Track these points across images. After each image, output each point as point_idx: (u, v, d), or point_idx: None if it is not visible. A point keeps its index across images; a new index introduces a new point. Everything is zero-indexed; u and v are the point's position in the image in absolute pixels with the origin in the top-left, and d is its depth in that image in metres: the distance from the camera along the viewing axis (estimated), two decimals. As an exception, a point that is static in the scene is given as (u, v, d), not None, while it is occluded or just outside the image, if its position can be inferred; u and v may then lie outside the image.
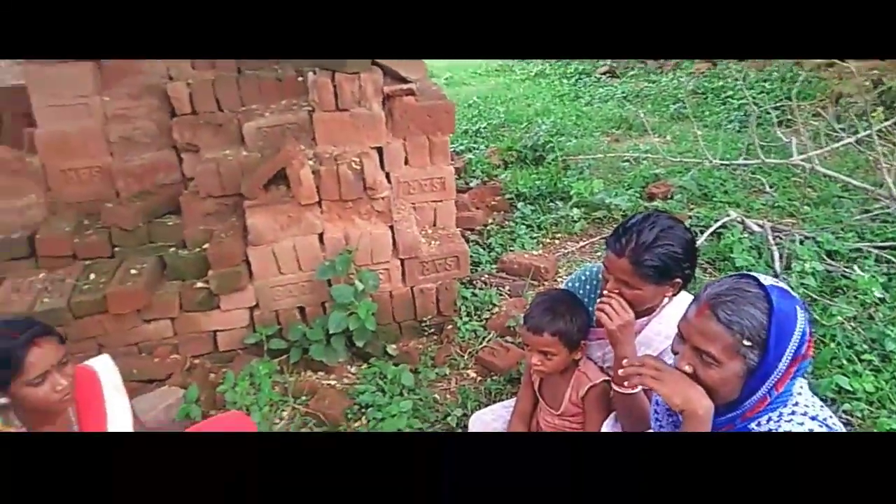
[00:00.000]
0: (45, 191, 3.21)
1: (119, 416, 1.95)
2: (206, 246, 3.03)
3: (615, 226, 1.84)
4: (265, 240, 2.96)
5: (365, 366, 3.04)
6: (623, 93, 7.99)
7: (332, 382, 2.96)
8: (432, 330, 3.28)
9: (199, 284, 3.01)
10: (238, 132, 3.18)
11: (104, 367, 1.97)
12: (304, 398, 2.81)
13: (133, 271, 2.96)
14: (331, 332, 2.91)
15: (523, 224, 4.36)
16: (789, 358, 1.29)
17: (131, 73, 3.22)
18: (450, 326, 3.24)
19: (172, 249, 3.12)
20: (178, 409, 2.65)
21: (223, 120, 3.20)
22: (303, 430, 2.67)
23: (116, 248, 3.11)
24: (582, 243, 4.17)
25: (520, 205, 4.61)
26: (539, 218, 4.43)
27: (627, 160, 5.53)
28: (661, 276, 1.76)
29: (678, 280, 1.80)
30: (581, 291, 2.08)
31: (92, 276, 2.97)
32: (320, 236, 3.04)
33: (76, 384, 1.80)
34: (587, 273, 2.12)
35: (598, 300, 1.83)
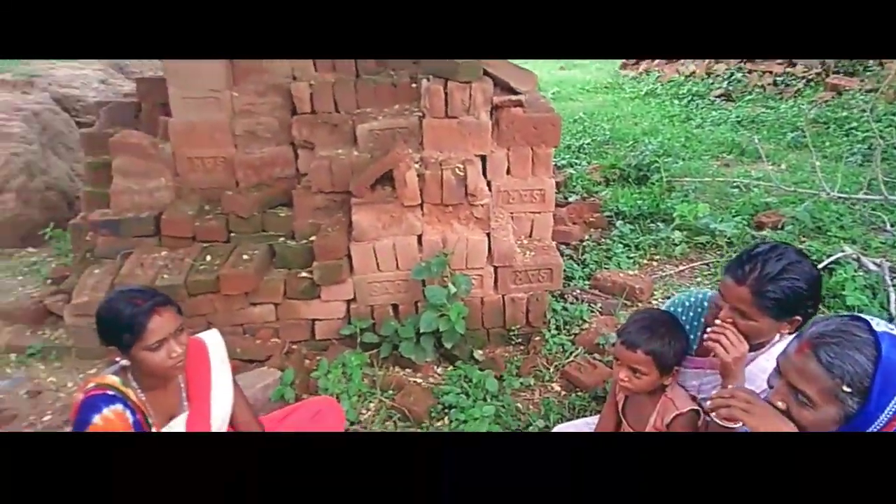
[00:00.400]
0: (174, 176, 3.49)
1: (223, 387, 2.08)
2: (312, 238, 3.19)
3: (719, 252, 1.80)
4: (368, 237, 3.08)
5: (451, 367, 3.10)
6: (738, 117, 7.69)
7: (419, 380, 3.04)
8: (520, 339, 3.30)
9: (304, 274, 3.18)
10: (352, 133, 3.33)
11: (213, 341, 2.12)
12: (390, 392, 2.90)
13: (245, 256, 3.16)
14: (421, 331, 2.99)
15: (621, 243, 4.30)
16: (893, 410, 1.23)
17: (259, 71, 3.45)
18: (537, 338, 3.25)
19: (282, 239, 3.31)
20: (274, 389, 2.81)
21: (339, 120, 3.36)
22: (387, 423, 2.76)
23: (232, 234, 3.33)
24: (681, 267, 4.06)
25: (618, 223, 4.55)
26: (638, 238, 4.36)
27: (737, 186, 5.33)
28: (781, 310, 1.69)
29: (798, 318, 1.73)
30: (683, 317, 2.04)
31: (208, 257, 3.20)
32: (419, 238, 3.14)
33: (187, 353, 1.96)
34: (692, 299, 2.07)
35: (712, 329, 1.77)
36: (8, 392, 3.00)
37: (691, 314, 2.05)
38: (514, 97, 3.24)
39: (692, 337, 1.97)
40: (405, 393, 2.86)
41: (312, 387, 2.89)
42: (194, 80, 3.33)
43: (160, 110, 3.65)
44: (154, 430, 1.92)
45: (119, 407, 1.83)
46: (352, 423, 2.73)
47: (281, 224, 3.34)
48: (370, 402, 2.88)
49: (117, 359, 1.84)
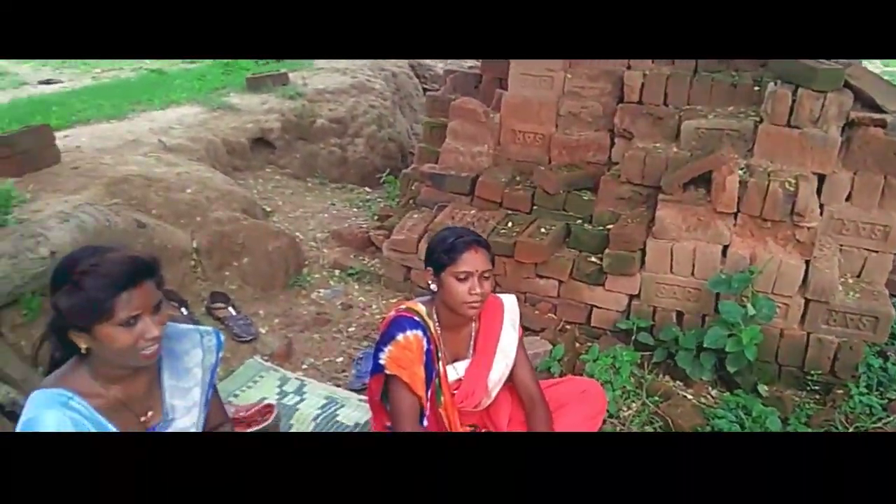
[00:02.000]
0: (495, 144, 3.75)
1: (507, 347, 2.18)
2: (610, 226, 3.18)
3: None
4: (668, 236, 2.97)
5: (727, 393, 2.87)
6: None
7: (689, 396, 2.86)
8: (817, 387, 2.91)
9: (593, 259, 3.19)
10: (675, 129, 3.22)
11: (510, 304, 2.23)
12: (656, 398, 2.78)
13: (542, 230, 3.29)
14: (704, 345, 2.81)
15: (978, 313, 3.50)
16: None
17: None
18: (840, 391, 2.83)
19: (580, 221, 3.36)
20: (542, 360, 2.90)
21: (664, 114, 3.27)
22: (646, 427, 2.67)
23: (535, 207, 3.48)
24: None
25: (980, 290, 3.71)
26: None
27: None
28: None
29: None
30: None
31: (510, 224, 3.40)
32: (724, 248, 2.93)
33: (485, 308, 2.10)
34: None
35: None
36: (327, 301, 3.57)
37: None
38: (877, 115, 2.81)
39: None
40: (672, 404, 2.72)
41: (578, 368, 2.91)
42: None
43: (497, 84, 3.94)
44: (441, 364, 2.11)
45: (419, 333, 2.03)
46: (610, 416, 2.69)
47: (582, 206, 3.39)
48: (633, 401, 2.81)
49: (431, 283, 2.04)
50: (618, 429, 2.65)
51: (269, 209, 4.32)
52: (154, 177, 3.59)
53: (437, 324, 2.11)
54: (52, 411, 1.43)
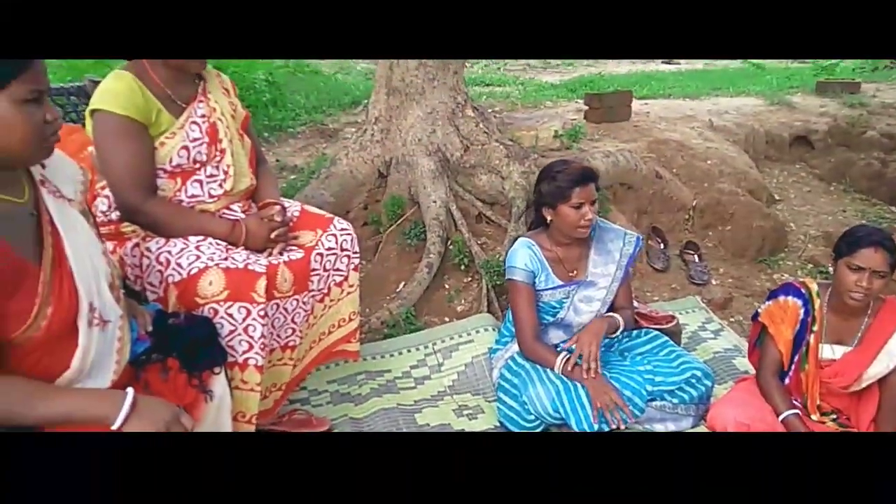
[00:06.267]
0: None
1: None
2: None
3: None
4: None
5: None
6: None
7: None
8: None
9: None
10: None
11: None
12: None
13: None
14: None
15: None
16: None
17: None
18: None
19: None
20: None
21: None
22: None
23: None
24: None
25: None
26: None
27: None
28: None
29: None
30: None
31: None
32: None
33: (886, 304, 2.35)
34: None
35: None
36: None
37: None
38: None
39: None
40: None
41: None
42: None
43: None
44: (813, 337, 2.43)
45: (799, 301, 2.34)
46: None
47: None
48: None
49: (830, 266, 2.42)
50: None
51: (778, 197, 4.78)
52: (687, 145, 4.54)
53: (824, 304, 2.40)
54: (523, 249, 2.60)
